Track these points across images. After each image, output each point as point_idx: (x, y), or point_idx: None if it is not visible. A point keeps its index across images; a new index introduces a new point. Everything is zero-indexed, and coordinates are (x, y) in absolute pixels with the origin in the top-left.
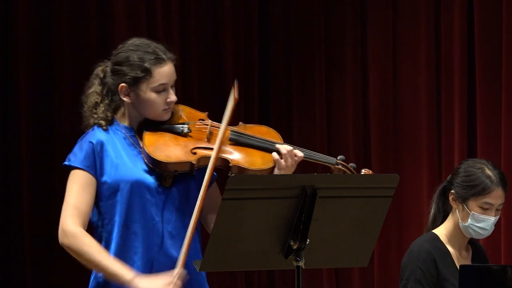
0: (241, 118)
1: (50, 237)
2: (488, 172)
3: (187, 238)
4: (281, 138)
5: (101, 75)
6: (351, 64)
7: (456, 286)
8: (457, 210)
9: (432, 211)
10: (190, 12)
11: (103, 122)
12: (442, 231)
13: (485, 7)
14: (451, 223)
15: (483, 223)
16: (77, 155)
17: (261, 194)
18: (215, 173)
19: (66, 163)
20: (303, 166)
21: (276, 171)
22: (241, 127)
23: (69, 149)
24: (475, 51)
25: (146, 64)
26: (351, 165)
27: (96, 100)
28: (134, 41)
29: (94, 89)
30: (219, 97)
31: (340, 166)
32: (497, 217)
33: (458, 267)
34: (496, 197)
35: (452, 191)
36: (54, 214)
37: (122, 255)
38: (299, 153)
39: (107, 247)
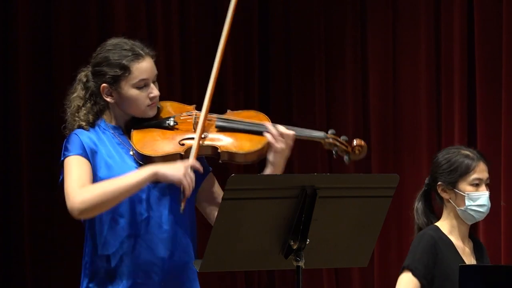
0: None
1: (50, 237)
2: (465, 151)
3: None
4: (270, 121)
5: (84, 80)
6: (351, 64)
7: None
8: (450, 199)
9: (419, 218)
10: (190, 12)
11: (83, 123)
12: (442, 224)
13: (485, 7)
14: (448, 215)
15: (479, 199)
16: (69, 148)
17: (261, 194)
18: (210, 167)
19: (62, 159)
20: (302, 162)
21: (271, 155)
22: (229, 114)
23: None
24: (475, 51)
25: (124, 62)
26: (343, 137)
27: (79, 104)
28: (112, 41)
29: (77, 93)
30: (219, 97)
31: (331, 140)
32: (489, 192)
33: (462, 256)
34: (481, 171)
35: (439, 183)
36: (54, 214)
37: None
38: (290, 132)
39: (94, 242)
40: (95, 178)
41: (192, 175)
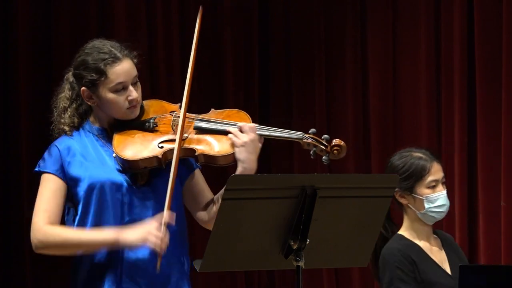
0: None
1: None
2: (417, 154)
3: (169, 187)
4: (250, 120)
5: (71, 80)
6: (351, 64)
7: (435, 277)
8: (409, 205)
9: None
10: (190, 12)
11: (67, 128)
12: (404, 230)
13: (485, 7)
14: (408, 220)
15: (438, 200)
16: (46, 161)
17: (261, 194)
18: (198, 165)
19: (36, 169)
20: (302, 162)
21: (236, 151)
22: (211, 114)
23: None
24: (475, 51)
25: (101, 65)
26: (324, 137)
27: (65, 105)
28: (93, 42)
29: (64, 94)
30: (219, 97)
31: (310, 140)
32: (445, 190)
33: (432, 258)
34: (436, 171)
35: (396, 189)
36: None
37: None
38: (250, 124)
39: None
40: (71, 181)
41: (159, 233)
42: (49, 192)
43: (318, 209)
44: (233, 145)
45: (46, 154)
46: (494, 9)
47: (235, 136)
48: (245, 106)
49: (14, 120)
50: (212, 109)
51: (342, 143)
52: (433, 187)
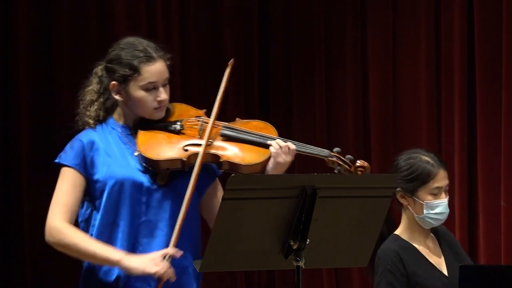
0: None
1: None
2: (425, 158)
3: (179, 220)
4: (277, 133)
5: (99, 74)
6: (351, 64)
7: (428, 279)
8: (409, 206)
9: None
10: (190, 12)
11: (91, 121)
12: (401, 231)
13: (485, 7)
14: (406, 220)
15: (438, 208)
16: (67, 153)
17: (261, 194)
18: (220, 171)
19: (56, 160)
20: (301, 162)
21: (270, 166)
22: (237, 123)
23: None
24: (475, 51)
25: (135, 62)
26: (348, 157)
27: (92, 98)
28: (128, 39)
29: (92, 87)
30: None
31: (334, 159)
32: (448, 198)
33: (427, 258)
34: (441, 178)
35: (398, 189)
36: None
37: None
38: (292, 145)
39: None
40: (92, 176)
41: (164, 264)
42: (68, 186)
43: (318, 209)
44: (258, 157)
45: (68, 147)
46: (494, 9)
47: (279, 154)
48: (245, 106)
49: (14, 120)
50: (238, 118)
51: (366, 164)
52: (435, 194)
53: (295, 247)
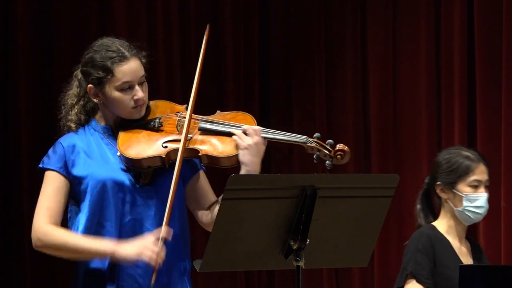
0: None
1: None
2: (465, 152)
3: (169, 201)
4: (255, 123)
5: (79, 77)
6: (351, 64)
7: (455, 273)
8: (448, 200)
9: (419, 217)
10: (190, 12)
11: (73, 125)
12: (439, 223)
13: (485, 7)
14: (445, 214)
15: (477, 201)
16: (50, 158)
17: (261, 194)
18: (203, 166)
19: (40, 165)
20: (302, 162)
21: (240, 154)
22: (216, 115)
23: None
24: (475, 51)
25: (108, 63)
26: (328, 141)
27: (72, 102)
28: (101, 40)
29: (72, 91)
30: (219, 97)
31: (313, 144)
32: (488, 195)
33: (458, 255)
34: (481, 172)
35: (438, 182)
36: None
37: None
38: (255, 127)
39: None
40: (74, 179)
41: (156, 248)
42: (52, 189)
43: (318, 209)
44: (237, 147)
45: (50, 151)
46: (494, 9)
47: (239, 138)
48: (245, 106)
49: (14, 120)
50: (218, 111)
51: (346, 148)
52: (475, 186)
53: (295, 247)
